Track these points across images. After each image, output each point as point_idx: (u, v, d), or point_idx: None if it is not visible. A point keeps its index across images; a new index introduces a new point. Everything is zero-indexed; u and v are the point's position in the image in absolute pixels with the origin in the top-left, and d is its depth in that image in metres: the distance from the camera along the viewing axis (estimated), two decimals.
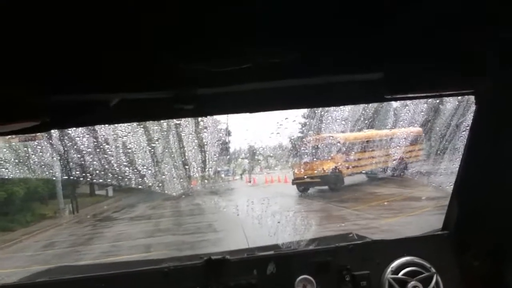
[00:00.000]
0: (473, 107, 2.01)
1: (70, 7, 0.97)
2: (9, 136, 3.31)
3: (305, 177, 17.95)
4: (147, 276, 2.28)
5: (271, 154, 25.72)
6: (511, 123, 1.90)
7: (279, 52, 1.28)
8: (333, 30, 1.23)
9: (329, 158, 17.64)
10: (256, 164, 27.58)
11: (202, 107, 1.58)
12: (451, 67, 1.47)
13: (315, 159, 17.68)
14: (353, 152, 17.69)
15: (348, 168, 17.62)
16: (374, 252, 2.38)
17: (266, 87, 1.54)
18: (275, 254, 2.42)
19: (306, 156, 18.13)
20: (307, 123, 16.49)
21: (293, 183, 18.88)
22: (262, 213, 7.03)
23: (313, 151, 17.73)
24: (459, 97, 3.56)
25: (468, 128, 2.09)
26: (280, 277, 2.31)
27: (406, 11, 1.16)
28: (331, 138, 17.18)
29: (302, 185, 18.36)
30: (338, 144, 17.63)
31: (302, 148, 18.12)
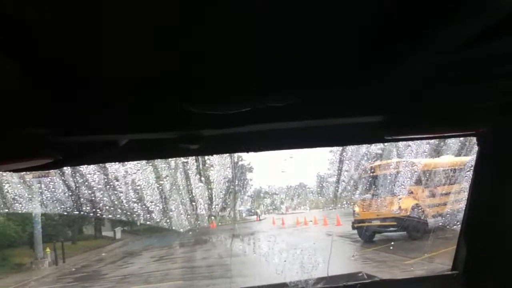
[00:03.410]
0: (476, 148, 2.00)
1: (85, 52, 1.01)
2: (24, 173, 2.80)
3: (372, 219, 12.04)
4: None
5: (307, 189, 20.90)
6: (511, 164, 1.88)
7: (278, 97, 1.27)
8: (333, 77, 1.25)
9: (407, 192, 11.77)
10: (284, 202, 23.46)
11: (206, 147, 1.55)
12: (451, 111, 1.46)
13: (385, 195, 11.86)
14: (436, 185, 11.87)
15: (432, 206, 11.67)
16: None
17: (266, 128, 1.51)
18: None
19: (370, 190, 12.34)
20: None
21: (354, 227, 12.96)
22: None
23: (383, 183, 12.00)
24: None
25: (472, 168, 2.06)
26: None
27: (406, 62, 1.14)
28: (407, 164, 11.55)
29: (367, 230, 12.36)
30: (416, 173, 11.87)
31: (363, 179, 12.31)
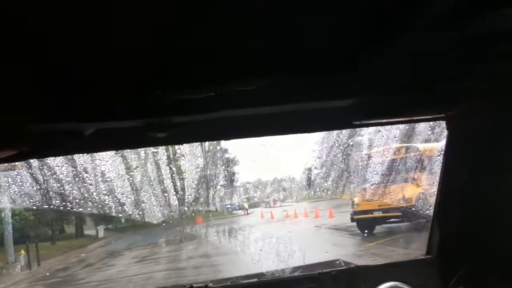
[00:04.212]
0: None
1: (49, 40, 0.97)
2: None
3: (374, 210, 10.90)
4: None
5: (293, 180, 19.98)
6: (482, 148, 1.83)
7: (250, 79, 1.24)
8: (305, 62, 1.23)
9: (411, 180, 10.67)
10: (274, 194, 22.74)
11: (175, 135, 1.52)
12: (421, 94, 1.46)
13: (387, 183, 10.72)
14: (436, 170, 10.64)
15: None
16: (358, 278, 2.23)
17: (237, 114, 1.49)
18: (258, 282, 2.29)
19: (369, 179, 11.21)
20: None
21: (353, 219, 11.83)
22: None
23: (385, 170, 10.89)
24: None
25: (442, 152, 2.04)
26: None
27: (379, 47, 1.14)
28: (409, 150, 10.51)
29: (368, 222, 11.20)
30: (420, 158, 10.81)
31: (362, 166, 11.16)
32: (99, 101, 1.27)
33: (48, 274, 13.31)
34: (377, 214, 10.95)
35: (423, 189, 10.63)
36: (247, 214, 25.52)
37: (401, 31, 1.04)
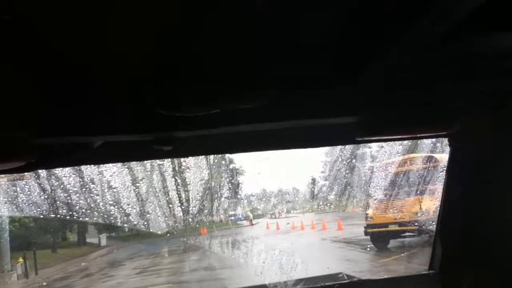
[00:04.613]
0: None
1: (59, 55, 0.99)
2: None
3: (389, 223, 10.24)
4: None
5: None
6: (483, 164, 1.85)
7: (249, 98, 1.26)
8: (306, 78, 1.24)
9: (429, 192, 9.99)
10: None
11: (180, 149, 1.56)
12: (423, 111, 1.46)
13: (403, 195, 10.07)
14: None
15: None
16: None
17: (241, 130, 1.49)
18: None
19: (385, 189, 10.58)
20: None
21: (367, 232, 11.15)
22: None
23: (401, 181, 10.29)
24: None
25: (445, 169, 2.06)
26: None
27: (380, 63, 1.13)
28: (425, 160, 9.87)
29: (383, 236, 10.52)
30: (437, 170, 10.11)
31: (376, 178, 10.54)
32: (106, 116, 1.29)
33: (45, 284, 12.70)
34: (392, 227, 10.29)
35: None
36: (252, 225, 24.82)
37: (402, 48, 1.03)
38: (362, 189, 11.31)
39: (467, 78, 1.28)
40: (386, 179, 10.68)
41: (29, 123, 1.24)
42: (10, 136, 1.23)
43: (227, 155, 15.48)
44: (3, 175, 2.88)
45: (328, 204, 16.06)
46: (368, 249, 11.11)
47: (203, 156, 10.53)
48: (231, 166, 17.72)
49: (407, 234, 10.46)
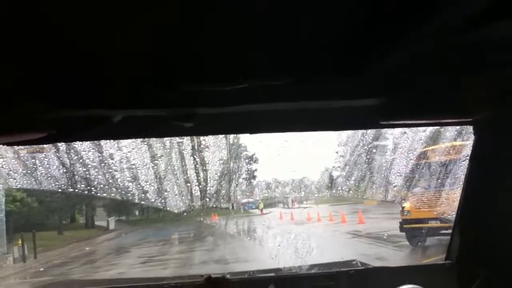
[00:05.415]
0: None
1: (77, 25, 0.97)
2: (18, 147, 2.94)
3: (430, 219, 8.84)
4: None
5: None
6: (508, 154, 1.79)
7: (275, 75, 1.25)
8: (332, 58, 1.22)
9: None
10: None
11: (201, 126, 1.50)
12: (448, 96, 1.44)
13: (446, 188, 8.69)
14: None
15: None
16: (375, 279, 2.18)
17: (263, 108, 1.48)
18: (275, 277, 2.24)
19: (426, 181, 9.23)
20: None
21: (403, 229, 9.72)
22: None
23: (443, 171, 8.91)
24: None
25: (467, 158, 2.00)
26: None
27: (404, 47, 1.11)
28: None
29: (421, 233, 9.11)
30: None
31: (414, 166, 9.10)
32: (126, 88, 1.30)
33: (42, 269, 11.56)
34: (433, 224, 8.87)
35: None
36: (263, 214, 23.73)
37: (429, 32, 1.00)
38: (396, 179, 9.89)
39: (495, 65, 1.23)
40: (426, 169, 9.32)
41: (47, 94, 1.23)
42: (30, 107, 1.23)
43: (243, 140, 14.82)
44: (22, 147, 2.77)
45: (352, 194, 14.69)
46: (402, 247, 9.76)
47: (222, 137, 10.01)
48: (247, 150, 16.85)
49: (446, 232, 9.05)
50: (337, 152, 12.18)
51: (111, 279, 5.14)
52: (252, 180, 17.34)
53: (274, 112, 1.52)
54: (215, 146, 9.57)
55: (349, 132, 9.60)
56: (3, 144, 1.58)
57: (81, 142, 5.44)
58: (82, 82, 1.22)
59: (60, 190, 7.57)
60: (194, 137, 9.32)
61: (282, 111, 1.52)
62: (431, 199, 9.11)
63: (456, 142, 8.77)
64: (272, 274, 2.26)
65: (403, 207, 9.63)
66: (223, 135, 10.05)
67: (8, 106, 1.22)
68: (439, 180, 8.94)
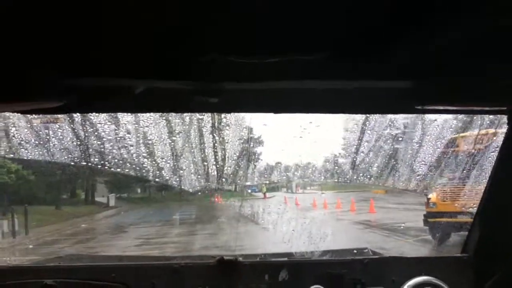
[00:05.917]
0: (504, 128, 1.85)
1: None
2: (32, 116, 2.84)
3: (458, 213, 7.90)
4: (156, 271, 2.13)
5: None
6: None
7: (307, 50, 1.19)
8: (367, 35, 1.15)
9: None
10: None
11: (226, 102, 1.47)
12: (484, 83, 1.39)
13: (475, 180, 7.62)
14: None
15: None
16: (390, 268, 2.13)
17: (290, 86, 1.45)
18: (288, 261, 2.22)
19: (452, 170, 8.17)
20: None
21: (427, 222, 8.86)
22: None
23: (474, 160, 7.73)
24: None
25: (497, 149, 1.94)
26: (291, 285, 2.10)
27: (444, 36, 1.10)
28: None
29: (447, 228, 8.21)
30: None
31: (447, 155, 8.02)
32: (151, 58, 1.23)
33: (31, 246, 10.75)
34: (462, 218, 7.93)
35: None
36: (266, 198, 22.93)
37: (464, 16, 0.99)
38: (420, 168, 8.93)
39: None
40: (451, 157, 8.33)
41: (68, 62, 1.18)
42: (47, 75, 1.19)
43: (256, 121, 13.96)
44: (35, 116, 2.41)
45: (361, 182, 13.72)
46: (425, 241, 8.86)
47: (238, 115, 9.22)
48: (250, 135, 15.95)
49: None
50: (344, 138, 11.25)
51: (121, 255, 4.80)
52: (256, 164, 16.57)
53: (303, 90, 1.48)
54: (225, 128, 8.87)
55: (361, 117, 8.72)
56: (16, 112, 1.56)
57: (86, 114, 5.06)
58: (103, 49, 1.15)
59: (61, 163, 7.09)
60: (202, 117, 8.78)
61: (311, 90, 1.47)
62: (460, 192, 8.17)
63: (490, 130, 7.76)
64: (285, 259, 2.23)
65: (428, 199, 8.69)
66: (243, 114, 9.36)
67: (20, 73, 1.17)
68: (471, 172, 7.99)
